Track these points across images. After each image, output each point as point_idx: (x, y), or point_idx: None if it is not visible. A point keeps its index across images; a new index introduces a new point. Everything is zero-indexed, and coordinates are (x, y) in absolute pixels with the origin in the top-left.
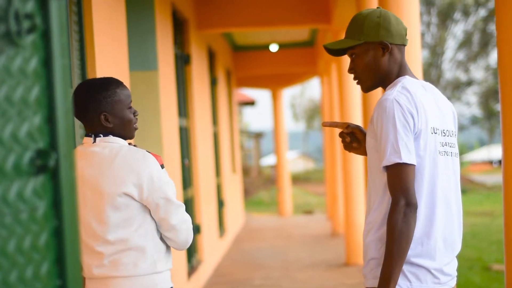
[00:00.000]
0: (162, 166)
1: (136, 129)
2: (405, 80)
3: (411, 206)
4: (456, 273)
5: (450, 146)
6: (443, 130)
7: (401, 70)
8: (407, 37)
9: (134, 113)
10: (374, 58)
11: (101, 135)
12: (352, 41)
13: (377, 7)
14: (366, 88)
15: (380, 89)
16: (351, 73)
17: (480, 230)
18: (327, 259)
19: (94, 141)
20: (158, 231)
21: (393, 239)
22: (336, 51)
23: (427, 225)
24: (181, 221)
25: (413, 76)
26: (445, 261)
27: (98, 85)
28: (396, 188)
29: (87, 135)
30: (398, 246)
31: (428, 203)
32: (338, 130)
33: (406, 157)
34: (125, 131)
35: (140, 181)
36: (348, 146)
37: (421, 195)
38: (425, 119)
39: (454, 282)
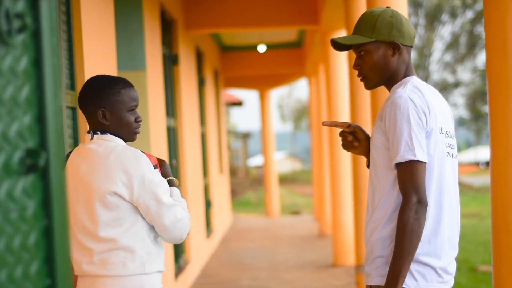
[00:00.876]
0: (155, 167)
1: (136, 133)
2: (414, 80)
3: (422, 203)
4: (455, 273)
5: (452, 148)
6: (447, 131)
7: (408, 71)
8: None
9: (137, 118)
10: (384, 57)
11: (99, 133)
12: (364, 38)
13: (387, 7)
14: (372, 85)
15: (377, 88)
16: (357, 69)
17: (467, 231)
18: (314, 260)
19: (92, 138)
20: (150, 232)
21: (405, 236)
22: (341, 46)
23: (434, 224)
24: (174, 221)
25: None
26: (449, 260)
27: (105, 81)
28: (408, 185)
29: (88, 132)
30: (409, 243)
31: (436, 202)
32: (330, 130)
33: (420, 155)
34: (122, 132)
35: (130, 181)
36: (348, 146)
37: (430, 193)
38: (435, 119)
39: (452, 281)
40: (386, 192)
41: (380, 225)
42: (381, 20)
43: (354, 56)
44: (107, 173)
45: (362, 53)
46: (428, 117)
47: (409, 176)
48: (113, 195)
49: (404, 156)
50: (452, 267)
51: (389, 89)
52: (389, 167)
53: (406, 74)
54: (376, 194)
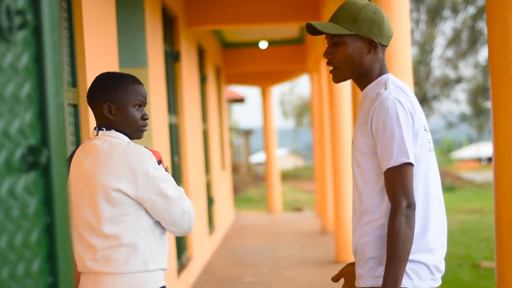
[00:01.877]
0: (159, 163)
1: (143, 131)
2: (392, 78)
3: (412, 207)
4: (443, 273)
5: (429, 142)
6: (425, 126)
7: (382, 69)
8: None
9: (143, 116)
10: (359, 52)
11: (104, 129)
12: (343, 29)
13: (370, 0)
14: (341, 79)
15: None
16: (328, 58)
17: (469, 227)
18: (316, 257)
19: (97, 134)
20: (154, 229)
21: (398, 242)
22: (316, 31)
23: (424, 221)
24: (182, 213)
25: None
26: (440, 257)
27: (113, 77)
28: (398, 190)
29: (94, 128)
30: (403, 249)
31: (424, 199)
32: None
33: (412, 157)
34: (127, 128)
35: (135, 177)
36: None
37: (418, 192)
38: (419, 117)
39: (440, 281)
40: (376, 197)
41: (372, 228)
42: (363, 14)
43: None
44: (111, 169)
45: (337, 44)
46: (414, 117)
47: (400, 179)
48: (117, 192)
49: (398, 159)
50: (443, 265)
51: (360, 86)
52: (377, 171)
53: (381, 72)
54: (364, 199)
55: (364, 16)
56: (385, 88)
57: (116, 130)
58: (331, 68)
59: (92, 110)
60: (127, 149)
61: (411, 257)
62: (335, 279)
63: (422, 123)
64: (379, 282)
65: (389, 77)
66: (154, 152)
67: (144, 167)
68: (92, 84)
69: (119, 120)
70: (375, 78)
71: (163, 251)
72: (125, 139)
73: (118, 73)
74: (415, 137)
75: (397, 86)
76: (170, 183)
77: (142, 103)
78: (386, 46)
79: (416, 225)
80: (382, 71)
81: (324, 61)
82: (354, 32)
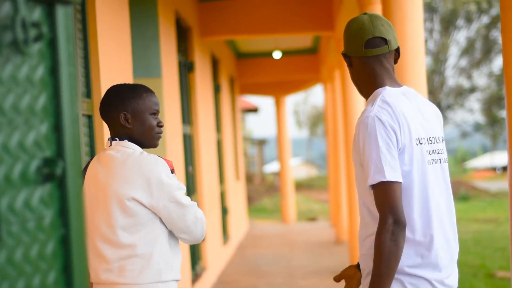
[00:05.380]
0: (172, 171)
1: (158, 138)
2: (384, 92)
3: (399, 224)
4: (456, 285)
5: (438, 153)
6: (430, 137)
7: (378, 81)
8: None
9: (159, 123)
10: (350, 70)
11: (117, 139)
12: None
13: (364, 13)
14: (363, 96)
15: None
16: None
17: (484, 237)
18: (330, 266)
19: (111, 145)
20: (168, 240)
21: (382, 259)
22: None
23: (425, 238)
24: (194, 221)
25: (394, 82)
26: (447, 272)
27: (126, 86)
28: (383, 207)
29: (108, 139)
30: (387, 266)
31: (423, 215)
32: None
33: (390, 175)
34: (144, 136)
35: (149, 185)
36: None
37: (413, 209)
38: (408, 132)
39: None
40: (372, 209)
41: (370, 242)
42: (345, 32)
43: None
44: (126, 178)
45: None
46: (399, 133)
47: (383, 197)
48: (132, 201)
49: (375, 178)
50: (452, 279)
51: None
52: (368, 187)
53: (377, 85)
54: (363, 211)
55: (344, 34)
56: (372, 105)
57: (133, 139)
58: None
59: (106, 121)
60: (140, 158)
61: (411, 271)
62: (337, 279)
63: (414, 138)
64: None
65: (382, 91)
66: (167, 161)
67: (158, 175)
68: (105, 96)
69: (136, 129)
70: (372, 92)
71: (177, 261)
72: (138, 149)
73: (129, 83)
74: (401, 153)
75: (384, 101)
76: (183, 191)
77: (157, 112)
78: (370, 57)
79: (415, 242)
80: (378, 83)
81: (337, 71)
82: (344, 51)
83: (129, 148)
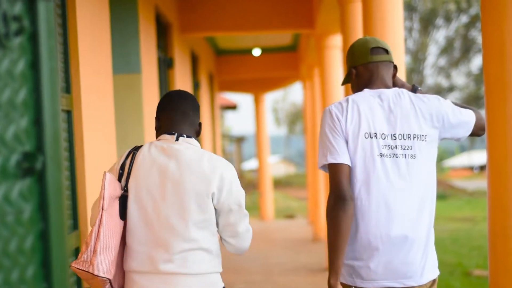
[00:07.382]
0: None
1: None
2: (359, 93)
3: (340, 199)
4: (409, 274)
5: (403, 149)
6: (393, 134)
7: (368, 84)
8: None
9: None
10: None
11: (184, 136)
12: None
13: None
14: None
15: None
16: None
17: (461, 235)
18: (308, 264)
19: (177, 140)
20: (217, 235)
21: (327, 230)
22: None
23: (356, 222)
24: (246, 229)
25: (380, 84)
26: (375, 261)
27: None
28: (330, 184)
29: (166, 132)
30: (332, 237)
31: (360, 202)
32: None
33: (332, 158)
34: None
35: (222, 184)
36: None
37: (353, 194)
38: (358, 125)
39: (389, 284)
40: None
41: None
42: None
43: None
44: (204, 176)
45: None
46: (344, 124)
47: (329, 176)
48: (210, 197)
49: (320, 161)
50: (386, 269)
51: None
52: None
53: (364, 88)
54: None
55: (348, 52)
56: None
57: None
58: None
59: (184, 119)
60: (215, 157)
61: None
62: None
63: (362, 131)
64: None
65: (359, 93)
66: None
67: (231, 177)
68: (189, 101)
69: (198, 134)
70: None
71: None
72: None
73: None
74: (351, 142)
75: (347, 99)
76: (244, 199)
77: None
78: (374, 63)
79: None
80: (365, 87)
81: (316, 69)
82: (349, 66)
83: (197, 146)
